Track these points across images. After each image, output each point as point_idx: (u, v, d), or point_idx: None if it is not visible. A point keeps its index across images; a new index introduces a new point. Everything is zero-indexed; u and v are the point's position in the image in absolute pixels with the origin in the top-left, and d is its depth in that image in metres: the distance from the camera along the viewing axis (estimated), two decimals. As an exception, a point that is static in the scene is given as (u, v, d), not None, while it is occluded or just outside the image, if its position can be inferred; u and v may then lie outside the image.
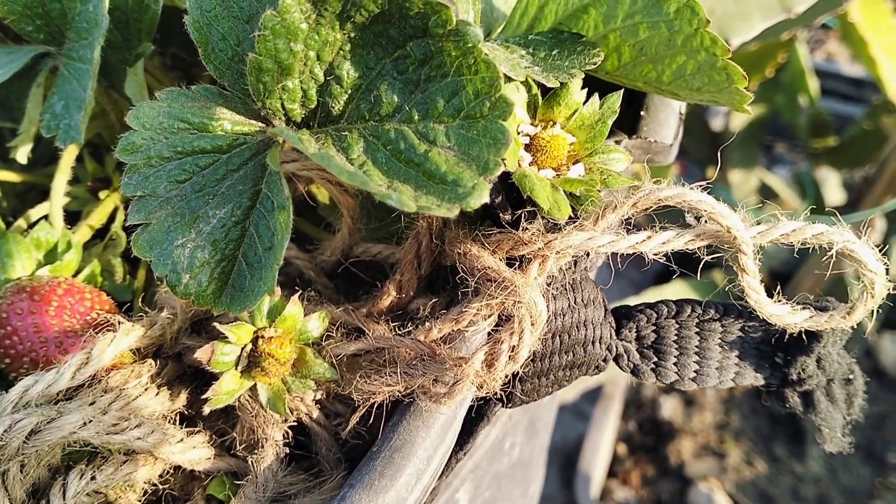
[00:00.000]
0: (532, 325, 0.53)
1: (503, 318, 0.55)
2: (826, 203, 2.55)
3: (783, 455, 2.61)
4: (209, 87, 0.53)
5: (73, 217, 0.72)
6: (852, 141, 2.38)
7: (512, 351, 0.53)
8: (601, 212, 0.53)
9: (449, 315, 0.56)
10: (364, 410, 0.56)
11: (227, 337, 0.54)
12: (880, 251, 0.54)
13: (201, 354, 0.54)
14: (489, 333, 0.55)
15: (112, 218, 0.71)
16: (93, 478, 0.54)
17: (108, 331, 0.57)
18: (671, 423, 2.68)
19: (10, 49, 0.65)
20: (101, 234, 0.72)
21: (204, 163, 0.51)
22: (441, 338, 0.56)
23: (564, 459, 2.61)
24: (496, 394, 0.57)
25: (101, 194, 0.72)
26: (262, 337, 0.56)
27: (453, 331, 0.56)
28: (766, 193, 2.61)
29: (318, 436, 0.59)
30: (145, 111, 0.50)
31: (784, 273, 2.45)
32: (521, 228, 0.54)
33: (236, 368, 0.56)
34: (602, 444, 2.52)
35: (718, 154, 2.51)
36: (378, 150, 0.49)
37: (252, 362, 0.56)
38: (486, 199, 0.45)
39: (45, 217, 0.68)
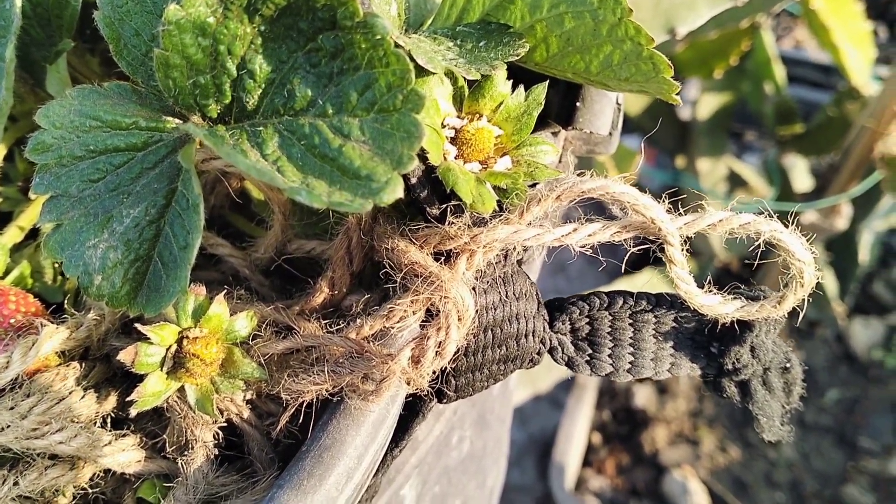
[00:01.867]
0: (459, 320, 0.52)
1: (433, 313, 0.55)
2: (794, 190, 2.55)
3: (756, 441, 2.63)
4: (122, 83, 0.52)
5: (4, 218, 0.71)
6: (818, 128, 2.38)
7: (439, 347, 0.52)
8: (526, 205, 0.52)
9: (380, 312, 0.56)
10: (295, 410, 0.55)
11: (150, 338, 0.53)
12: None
13: (124, 356, 0.53)
14: (422, 326, 0.55)
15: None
16: (15, 483, 0.53)
17: (32, 334, 0.56)
18: (645, 412, 2.69)
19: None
20: (34, 234, 0.70)
21: (118, 161, 0.50)
22: (373, 334, 0.56)
23: (542, 450, 2.61)
24: (429, 390, 0.57)
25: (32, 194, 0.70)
26: (187, 337, 0.55)
27: (384, 327, 0.55)
28: (735, 181, 2.61)
29: (250, 436, 0.58)
30: (55, 109, 0.49)
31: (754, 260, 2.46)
32: (447, 223, 0.53)
33: (162, 370, 0.55)
34: (576, 433, 2.53)
35: (686, 142, 2.51)
36: (293, 144, 0.48)
37: (178, 363, 0.55)
38: (401, 193, 0.44)
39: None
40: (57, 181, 0.49)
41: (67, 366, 0.57)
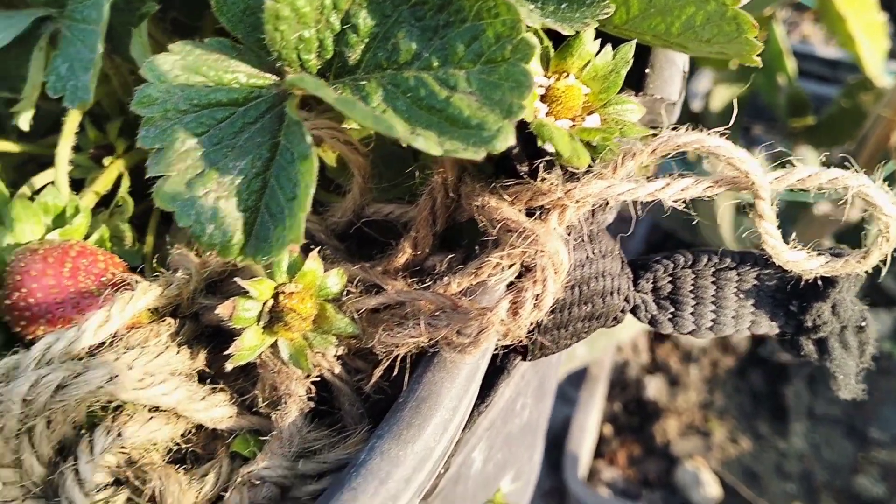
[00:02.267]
0: (555, 273, 0.53)
1: (523, 269, 0.55)
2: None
3: (767, 433, 2.64)
4: (222, 39, 0.53)
5: (75, 186, 0.71)
6: (830, 119, 2.39)
7: (536, 299, 0.53)
8: (620, 160, 0.53)
9: (467, 269, 0.56)
10: (387, 364, 0.56)
11: (248, 292, 0.54)
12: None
13: (222, 310, 0.54)
14: (510, 284, 0.55)
15: (117, 185, 0.71)
16: (119, 434, 0.54)
17: (126, 290, 0.56)
18: (656, 404, 2.69)
19: (8, 13, 0.64)
20: (105, 202, 0.71)
21: (221, 116, 0.51)
22: (460, 291, 0.56)
23: (551, 443, 2.62)
24: (516, 346, 0.58)
25: (105, 161, 0.71)
26: (283, 293, 0.55)
27: (472, 284, 0.56)
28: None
29: (341, 391, 0.59)
30: (160, 63, 0.50)
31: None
32: (539, 179, 0.54)
33: (258, 324, 0.55)
34: (589, 425, 2.53)
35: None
36: (398, 98, 0.48)
37: (274, 318, 0.55)
38: (513, 141, 0.45)
39: (51, 184, 0.67)
40: (163, 134, 0.50)
41: (160, 322, 0.58)
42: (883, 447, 2.63)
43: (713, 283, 0.60)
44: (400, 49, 0.49)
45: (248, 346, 0.55)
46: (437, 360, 0.55)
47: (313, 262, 0.56)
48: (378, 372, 0.57)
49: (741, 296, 0.60)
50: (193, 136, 0.50)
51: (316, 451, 0.58)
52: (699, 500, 2.40)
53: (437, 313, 0.54)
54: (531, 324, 0.55)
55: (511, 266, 0.54)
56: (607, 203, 0.57)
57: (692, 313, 0.60)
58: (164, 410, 0.56)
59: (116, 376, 0.51)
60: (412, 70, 0.49)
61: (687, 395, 2.76)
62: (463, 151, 0.44)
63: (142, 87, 0.50)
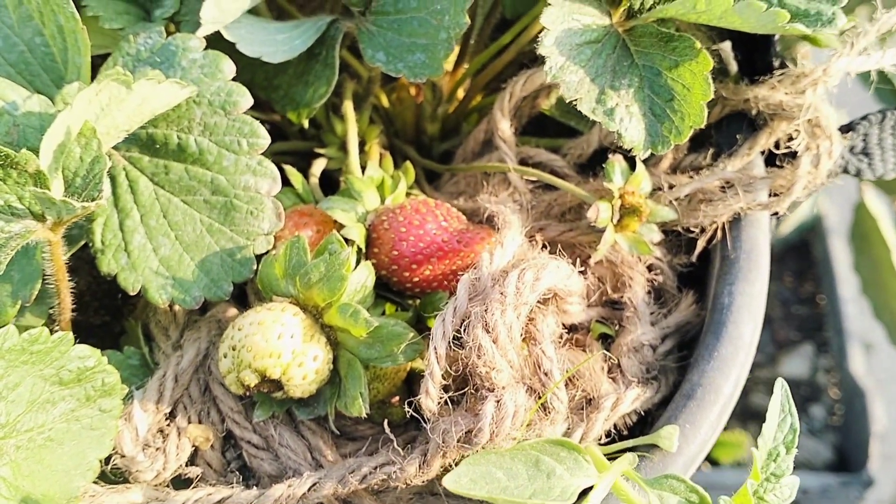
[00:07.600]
0: (832, 129, 0.70)
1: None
2: None
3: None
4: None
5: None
6: None
7: (828, 151, 0.70)
8: (854, 40, 0.71)
9: (741, 151, 0.73)
10: (710, 234, 0.71)
11: (608, 197, 0.68)
12: None
13: (591, 213, 0.67)
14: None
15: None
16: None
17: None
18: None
19: (293, 23, 0.73)
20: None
21: (591, 50, 0.65)
22: (741, 168, 0.72)
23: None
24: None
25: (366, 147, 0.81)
26: (624, 195, 0.69)
27: (747, 163, 0.73)
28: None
29: (664, 272, 0.73)
30: (554, 14, 0.63)
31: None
32: (797, 66, 0.71)
33: (612, 223, 0.68)
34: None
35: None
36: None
37: (622, 216, 0.69)
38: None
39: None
40: (561, 70, 0.63)
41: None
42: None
43: (891, 134, 0.79)
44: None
45: (607, 242, 0.68)
46: (749, 219, 0.71)
47: (641, 167, 0.70)
48: (703, 240, 0.72)
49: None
50: (581, 67, 0.64)
51: (653, 322, 0.71)
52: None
53: (746, 181, 0.70)
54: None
55: (796, 132, 0.71)
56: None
57: (881, 160, 0.79)
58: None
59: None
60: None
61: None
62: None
63: (544, 34, 0.63)
